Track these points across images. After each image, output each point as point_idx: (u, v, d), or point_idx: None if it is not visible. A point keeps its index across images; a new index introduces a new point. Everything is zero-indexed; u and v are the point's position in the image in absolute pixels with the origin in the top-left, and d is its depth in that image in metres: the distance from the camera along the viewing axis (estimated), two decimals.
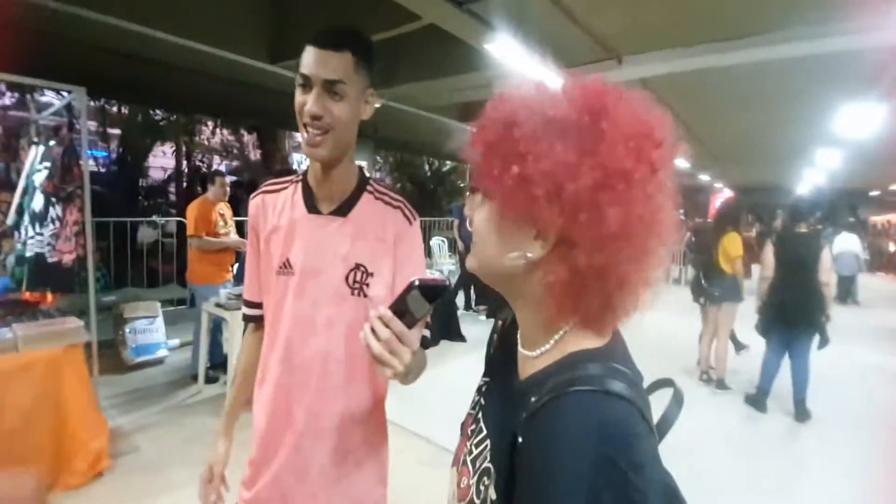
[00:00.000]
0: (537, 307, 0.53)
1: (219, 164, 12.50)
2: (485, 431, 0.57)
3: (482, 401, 0.62)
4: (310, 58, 0.84)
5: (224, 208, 3.61)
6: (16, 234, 2.83)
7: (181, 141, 10.31)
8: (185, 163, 11.04)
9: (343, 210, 0.95)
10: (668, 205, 0.49)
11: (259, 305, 1.03)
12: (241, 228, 4.00)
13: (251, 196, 1.03)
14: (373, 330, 0.62)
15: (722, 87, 5.25)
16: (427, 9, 3.08)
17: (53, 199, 2.44)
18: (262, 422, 0.98)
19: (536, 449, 0.44)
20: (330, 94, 0.84)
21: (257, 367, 1.06)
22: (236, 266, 3.74)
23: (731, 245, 3.79)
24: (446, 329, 4.88)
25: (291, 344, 0.93)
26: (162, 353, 3.92)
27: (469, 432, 0.60)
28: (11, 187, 2.95)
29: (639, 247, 0.48)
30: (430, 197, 13.20)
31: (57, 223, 2.43)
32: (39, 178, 2.57)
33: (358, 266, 0.93)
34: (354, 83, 0.86)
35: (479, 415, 0.60)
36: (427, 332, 0.95)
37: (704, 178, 14.71)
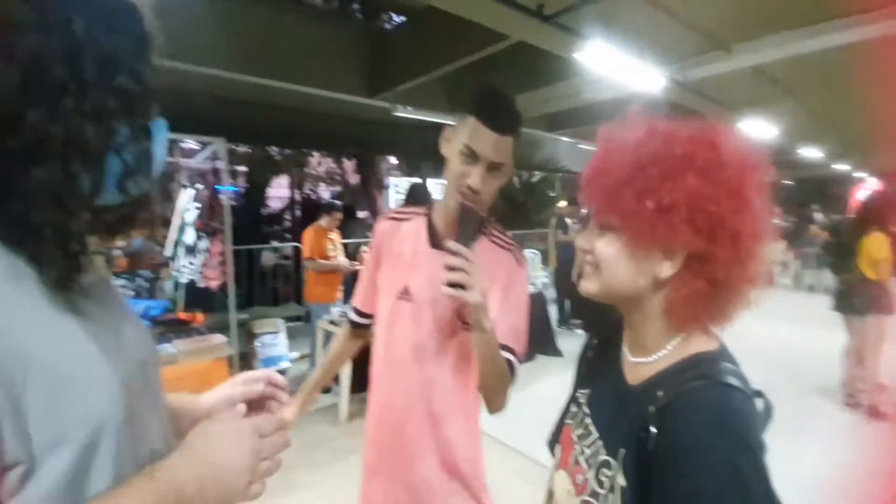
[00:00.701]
0: (657, 318, 0.61)
1: (324, 190, 13.70)
2: (594, 433, 0.65)
3: (586, 409, 0.70)
4: (483, 138, 0.90)
5: (333, 234, 3.98)
6: (171, 263, 3.39)
7: (293, 172, 11.51)
8: (297, 192, 12.29)
9: None
10: (766, 212, 0.57)
11: (369, 316, 1.14)
12: (345, 249, 4.36)
13: (379, 218, 1.15)
14: (448, 266, 0.79)
15: (856, 66, 4.55)
16: (514, 28, 3.13)
17: (202, 234, 2.91)
18: (374, 432, 1.07)
19: (676, 433, 0.51)
20: (492, 173, 0.93)
21: (340, 364, 1.23)
22: (343, 287, 4.10)
23: (875, 246, 3.20)
24: (542, 344, 4.79)
25: (404, 366, 1.01)
26: (284, 364, 4.36)
27: (576, 437, 0.68)
28: (166, 224, 3.54)
29: (754, 255, 0.56)
30: (520, 209, 13.09)
31: (205, 254, 2.89)
32: (190, 217, 3.07)
33: None
34: (510, 160, 0.95)
35: (586, 420, 0.68)
36: (512, 357, 0.99)
37: (842, 167, 12.70)
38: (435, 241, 1.03)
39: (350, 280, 4.29)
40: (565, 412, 0.76)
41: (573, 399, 0.75)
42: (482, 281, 0.81)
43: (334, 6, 4.96)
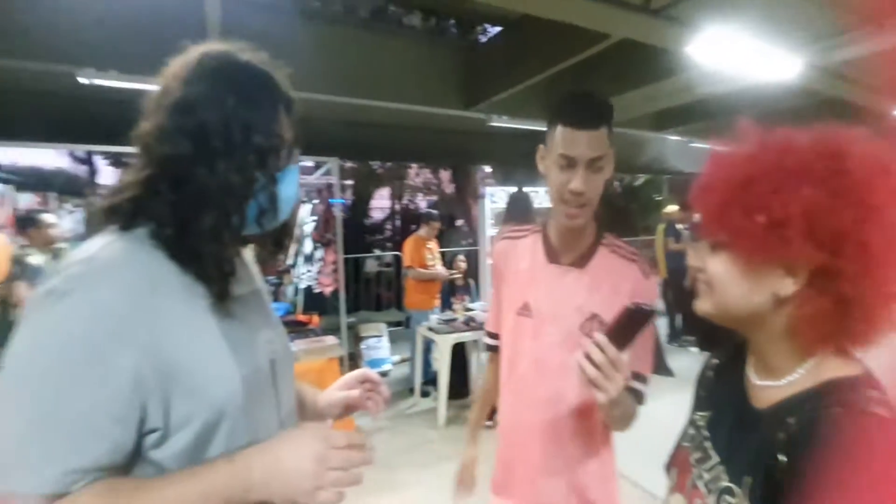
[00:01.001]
0: (782, 339, 0.57)
1: (421, 200, 14.28)
2: (714, 458, 0.62)
3: (706, 432, 0.67)
4: (572, 140, 0.88)
5: (432, 243, 4.13)
6: (292, 270, 3.79)
7: (394, 184, 12.18)
8: (397, 202, 12.97)
9: (580, 262, 1.00)
10: None
11: (499, 337, 1.14)
12: (442, 258, 4.48)
13: (496, 239, 1.18)
14: (587, 356, 0.72)
15: None
16: (619, 26, 2.98)
17: (318, 244, 3.21)
18: (501, 449, 1.08)
19: (810, 464, 0.48)
20: (592, 170, 0.90)
21: (494, 392, 1.19)
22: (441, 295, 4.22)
23: None
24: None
25: (526, 382, 1.01)
26: (386, 367, 4.61)
27: (693, 461, 0.66)
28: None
29: (892, 268, 0.51)
30: (622, 214, 12.35)
31: (320, 262, 3.18)
32: (308, 229, 3.41)
33: (593, 316, 0.96)
34: (608, 152, 0.92)
35: (706, 444, 0.66)
36: (640, 385, 0.94)
37: None
38: (552, 256, 1.02)
39: (447, 288, 4.40)
40: (682, 434, 0.74)
41: (691, 421, 0.73)
42: (619, 384, 0.72)
43: (431, 24, 5.16)
